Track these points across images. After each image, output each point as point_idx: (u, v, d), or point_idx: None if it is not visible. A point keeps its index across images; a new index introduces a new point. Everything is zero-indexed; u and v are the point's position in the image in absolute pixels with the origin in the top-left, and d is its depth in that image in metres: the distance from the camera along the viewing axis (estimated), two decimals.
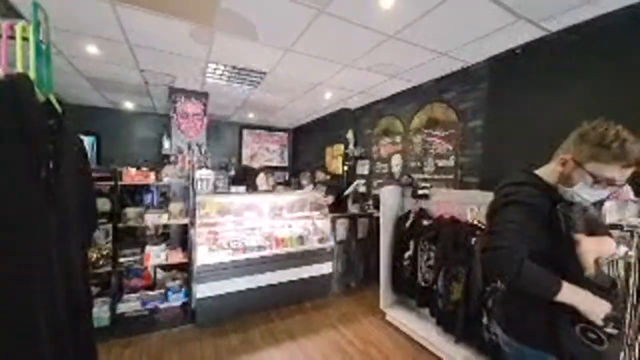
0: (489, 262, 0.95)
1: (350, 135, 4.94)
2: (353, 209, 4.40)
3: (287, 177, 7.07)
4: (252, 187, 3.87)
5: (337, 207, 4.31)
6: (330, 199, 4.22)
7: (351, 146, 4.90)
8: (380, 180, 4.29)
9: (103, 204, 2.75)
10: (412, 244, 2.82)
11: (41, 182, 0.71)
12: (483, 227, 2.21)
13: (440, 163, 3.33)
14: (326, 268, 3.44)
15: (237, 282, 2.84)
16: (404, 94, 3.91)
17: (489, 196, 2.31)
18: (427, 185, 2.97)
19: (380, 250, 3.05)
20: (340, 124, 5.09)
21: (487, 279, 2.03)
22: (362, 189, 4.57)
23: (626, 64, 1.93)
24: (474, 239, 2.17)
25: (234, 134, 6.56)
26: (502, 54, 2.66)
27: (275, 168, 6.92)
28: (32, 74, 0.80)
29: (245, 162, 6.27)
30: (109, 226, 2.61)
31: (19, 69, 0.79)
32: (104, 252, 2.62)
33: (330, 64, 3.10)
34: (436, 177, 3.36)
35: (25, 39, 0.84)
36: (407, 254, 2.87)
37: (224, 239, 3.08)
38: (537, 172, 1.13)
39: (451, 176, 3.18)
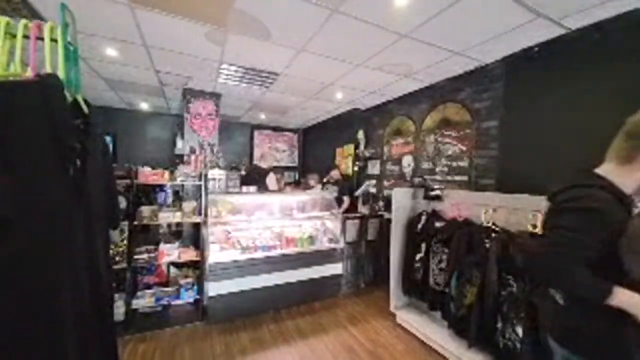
0: (539, 266, 0.97)
1: (360, 135, 4.92)
2: (363, 209, 4.38)
3: (296, 177, 7.10)
4: (263, 187, 3.90)
5: (351, 207, 4.30)
6: (346, 200, 4.21)
7: (362, 146, 4.88)
8: (391, 181, 4.25)
9: (120, 203, 2.82)
10: (423, 246, 2.78)
11: (69, 179, 0.73)
12: (498, 229, 2.17)
13: (454, 164, 3.28)
14: (336, 268, 3.44)
15: (248, 280, 2.87)
16: (417, 94, 3.87)
17: (505, 198, 2.28)
18: (441, 186, 2.93)
19: (391, 252, 3.03)
20: (350, 124, 5.08)
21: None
22: (373, 190, 4.54)
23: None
24: (488, 241, 2.13)
25: (245, 134, 6.63)
26: (518, 53, 2.60)
27: (285, 168, 6.95)
28: (60, 75, 0.82)
29: (256, 162, 6.33)
30: (125, 224, 2.67)
31: (48, 69, 0.82)
32: (120, 249, 2.69)
33: (342, 64, 3.10)
34: (449, 178, 3.31)
35: (53, 40, 0.87)
36: (419, 256, 2.83)
37: (235, 238, 3.11)
38: (602, 174, 1.05)
39: (465, 177, 3.13)
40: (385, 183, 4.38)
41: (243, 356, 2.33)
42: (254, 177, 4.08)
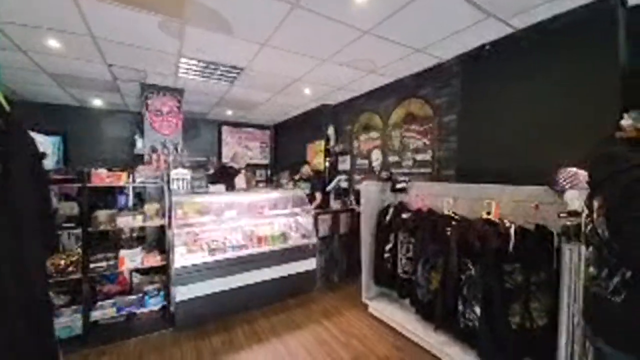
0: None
1: (331, 131, 4.95)
2: (335, 204, 4.43)
3: (268, 175, 7.00)
4: (232, 186, 3.80)
5: (323, 203, 4.33)
6: (318, 196, 4.23)
7: (332, 142, 4.91)
8: (361, 176, 4.34)
9: (71, 208, 2.60)
10: (392, 237, 2.88)
11: None
12: (457, 218, 2.30)
13: (418, 157, 3.41)
14: (310, 264, 3.46)
15: (219, 282, 2.79)
16: (383, 90, 3.96)
17: (463, 188, 2.42)
18: (406, 179, 3.04)
19: (362, 245, 3.10)
20: (321, 120, 5.09)
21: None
22: (344, 185, 4.61)
23: (582, 60, 2.04)
24: (449, 229, 2.25)
25: (213, 131, 6.39)
26: (473, 50, 2.75)
27: (257, 166, 6.82)
28: None
29: (225, 160, 6.13)
30: (79, 231, 2.47)
31: None
32: (73, 258, 2.49)
33: (307, 60, 3.08)
34: (415, 171, 3.44)
35: None
36: (388, 247, 2.93)
37: (204, 240, 3.01)
38: None
39: (429, 170, 3.27)
40: (356, 177, 4.46)
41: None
42: (223, 176, 3.96)
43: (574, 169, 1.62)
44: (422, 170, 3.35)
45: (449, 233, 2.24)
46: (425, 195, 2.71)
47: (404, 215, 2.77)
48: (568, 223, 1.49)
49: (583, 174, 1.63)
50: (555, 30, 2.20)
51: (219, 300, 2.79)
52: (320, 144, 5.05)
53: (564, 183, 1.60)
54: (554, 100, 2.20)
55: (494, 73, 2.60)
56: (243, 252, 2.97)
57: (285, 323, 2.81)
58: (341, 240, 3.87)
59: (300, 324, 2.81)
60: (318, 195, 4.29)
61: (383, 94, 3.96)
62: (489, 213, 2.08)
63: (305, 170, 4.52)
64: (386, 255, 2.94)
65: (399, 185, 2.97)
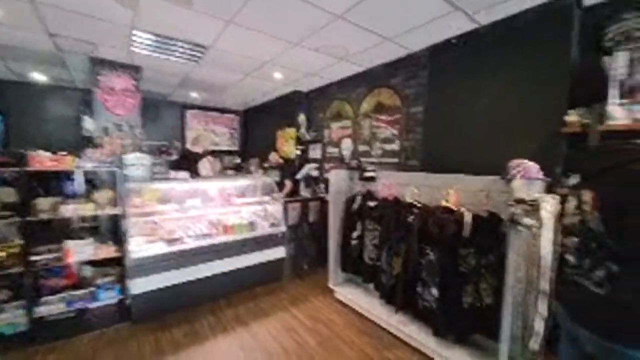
0: None
1: (302, 118, 4.87)
2: (306, 193, 4.42)
3: (238, 161, 6.78)
4: (196, 173, 3.62)
5: (293, 191, 4.29)
6: (288, 184, 4.17)
7: (303, 130, 4.84)
8: (332, 164, 4.34)
9: (8, 195, 2.32)
10: (359, 224, 2.94)
11: None
12: (419, 205, 2.39)
13: (387, 147, 3.47)
14: (278, 253, 3.44)
15: (181, 273, 2.69)
16: (355, 78, 3.94)
17: (427, 177, 2.51)
18: (374, 168, 3.09)
19: (329, 232, 3.13)
20: (292, 106, 4.97)
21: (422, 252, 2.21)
22: (315, 173, 4.59)
23: (539, 57, 2.16)
24: (411, 217, 2.33)
25: (176, 114, 5.99)
26: (441, 43, 2.80)
27: (225, 152, 6.56)
28: None
29: (189, 145, 5.81)
30: (18, 219, 2.22)
31: None
32: (13, 250, 2.24)
33: (277, 42, 2.95)
34: (383, 160, 3.51)
35: None
36: (355, 234, 2.99)
37: (165, 229, 2.85)
38: None
39: (396, 159, 3.35)
40: (327, 166, 4.46)
41: (176, 352, 2.20)
42: (187, 162, 3.75)
43: (524, 161, 1.73)
44: (390, 159, 3.42)
45: (411, 220, 2.33)
46: (392, 184, 2.77)
47: (371, 204, 2.83)
48: (514, 210, 1.61)
49: (533, 165, 1.75)
50: (516, 27, 2.30)
51: (182, 292, 2.69)
52: (292, 132, 4.96)
53: (514, 172, 1.71)
54: (512, 95, 2.32)
55: (459, 67, 2.68)
56: (208, 242, 2.87)
57: (253, 312, 2.80)
58: (311, 229, 3.89)
59: (268, 311, 2.81)
60: (288, 183, 4.24)
61: (355, 82, 3.95)
62: (447, 201, 2.18)
63: (274, 157, 4.43)
64: (353, 242, 3.00)
65: (367, 174, 3.01)
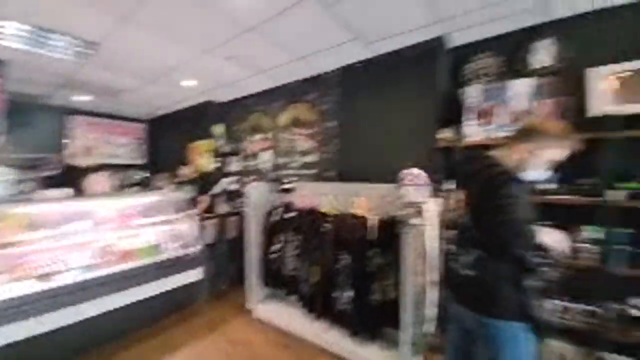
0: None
1: (219, 129, 4.64)
2: (224, 208, 4.17)
3: (145, 176, 5.95)
4: (81, 190, 3.02)
5: (209, 207, 3.98)
6: (204, 200, 3.84)
7: (221, 142, 4.62)
8: (253, 178, 4.24)
9: None
10: (279, 237, 2.92)
11: None
12: (334, 213, 2.54)
13: (306, 159, 3.60)
14: (193, 275, 3.12)
15: (57, 316, 2.16)
16: (272, 92, 3.99)
17: (341, 187, 2.69)
18: (293, 180, 3.15)
19: (247, 248, 3.02)
20: (207, 117, 4.70)
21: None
22: (234, 187, 4.39)
23: (418, 85, 2.61)
24: (327, 225, 2.46)
25: (56, 121, 4.92)
26: (348, 65, 3.11)
27: (127, 166, 5.70)
28: None
29: (74, 158, 4.81)
30: None
31: None
32: None
33: (185, 47, 2.78)
34: (303, 172, 3.61)
35: None
36: (276, 246, 2.96)
37: (36, 262, 2.27)
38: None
39: (315, 171, 3.49)
40: (248, 179, 4.33)
41: None
42: (70, 178, 3.11)
43: (413, 169, 2.04)
44: (310, 171, 3.55)
45: (326, 229, 2.45)
46: (310, 194, 2.87)
47: (290, 215, 2.86)
48: (405, 212, 1.87)
49: (420, 173, 2.07)
50: (403, 59, 2.73)
51: (59, 340, 2.15)
52: (207, 144, 4.67)
53: (405, 180, 1.99)
54: (404, 115, 2.72)
55: (364, 88, 3.02)
56: (97, 273, 2.40)
57: (159, 349, 2.43)
58: (230, 245, 3.67)
59: (179, 344, 2.49)
60: (204, 199, 3.93)
61: (273, 95, 4.00)
62: (357, 208, 2.38)
63: (187, 171, 4.07)
64: (274, 255, 2.96)
65: (285, 186, 3.05)
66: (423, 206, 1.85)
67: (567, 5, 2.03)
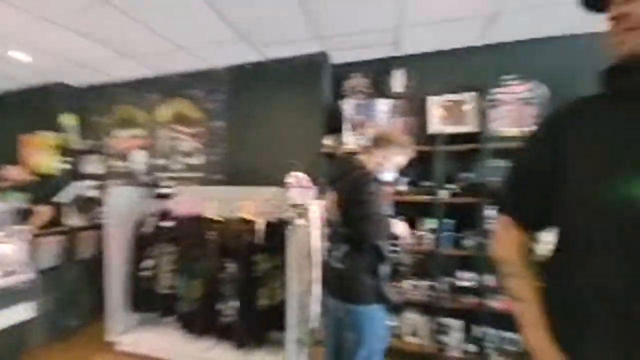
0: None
1: (70, 120, 3.65)
2: (76, 220, 3.29)
3: None
4: None
5: (53, 219, 3.03)
6: (41, 210, 2.88)
7: (72, 136, 3.64)
8: (120, 181, 3.52)
9: None
10: (152, 250, 2.52)
11: None
12: (220, 220, 2.38)
13: (190, 161, 3.25)
14: (19, 313, 2.29)
15: None
16: (148, 81, 3.44)
17: (229, 191, 2.55)
18: (172, 184, 2.79)
19: (108, 268, 2.48)
20: (51, 103, 3.62)
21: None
22: (91, 193, 3.54)
23: (307, 94, 2.78)
24: (211, 232, 2.28)
25: None
26: (239, 65, 3.00)
27: None
28: None
29: None
30: None
31: None
32: None
33: (17, 10, 2.07)
34: (186, 175, 3.24)
35: None
36: (148, 263, 2.53)
37: None
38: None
39: (201, 174, 3.19)
40: (113, 183, 3.56)
41: None
42: None
43: (298, 173, 2.14)
44: (194, 174, 3.22)
45: (210, 236, 2.27)
46: (193, 200, 2.60)
47: (167, 224, 2.51)
48: (289, 214, 1.94)
49: (304, 176, 2.18)
50: (293, 67, 2.84)
51: None
52: (51, 137, 3.60)
53: (290, 183, 2.07)
54: (293, 121, 2.82)
55: (254, 91, 2.98)
56: None
57: None
58: (84, 268, 2.92)
59: None
60: (43, 210, 2.99)
61: (149, 86, 3.45)
62: (245, 213, 2.31)
63: (14, 173, 3.03)
64: (145, 273, 2.53)
65: (162, 191, 2.67)
66: (308, 208, 1.95)
67: (414, 45, 2.57)
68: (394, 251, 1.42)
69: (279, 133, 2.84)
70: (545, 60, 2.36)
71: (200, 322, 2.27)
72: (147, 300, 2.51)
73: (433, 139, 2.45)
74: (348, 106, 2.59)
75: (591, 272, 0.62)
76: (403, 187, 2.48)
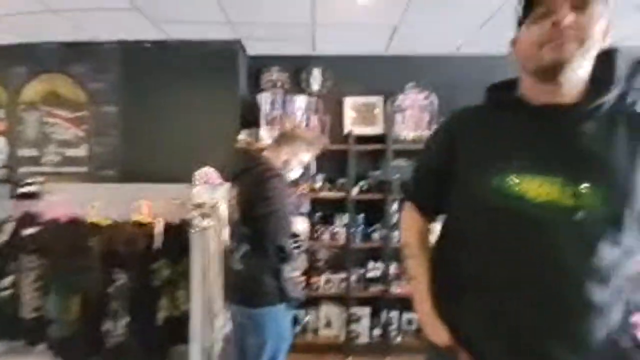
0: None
1: None
2: None
3: None
4: None
5: None
6: None
7: None
8: None
9: None
10: (9, 266, 1.96)
11: None
12: (107, 224, 2.00)
13: (70, 152, 2.65)
14: None
15: None
16: (10, 50, 2.67)
17: (121, 189, 2.16)
18: (40, 180, 2.22)
19: None
20: None
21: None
22: None
23: (221, 84, 2.56)
24: (94, 239, 1.89)
25: None
26: (135, 41, 2.57)
27: None
28: None
29: None
30: None
31: None
32: None
33: None
34: (64, 170, 2.64)
35: None
36: (4, 281, 1.97)
37: None
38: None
39: (84, 169, 2.64)
40: None
41: None
42: None
43: (206, 169, 1.95)
44: (76, 168, 2.64)
45: (93, 244, 1.88)
46: (70, 200, 2.12)
47: (31, 231, 1.99)
48: (196, 213, 1.75)
49: (213, 172, 2.00)
50: (203, 53, 2.57)
51: None
52: None
53: (198, 180, 1.87)
54: (205, 111, 2.57)
55: (157, 74, 2.60)
56: None
57: None
58: None
59: None
60: None
61: (10, 55, 2.68)
62: (141, 214, 1.99)
63: None
64: (1, 294, 1.96)
65: (25, 189, 2.10)
66: (216, 206, 1.79)
67: (330, 45, 2.63)
68: (297, 248, 1.41)
69: (187, 124, 2.55)
70: (439, 74, 2.72)
71: (82, 347, 1.87)
72: (7, 327, 1.96)
73: (347, 138, 2.56)
74: (265, 100, 2.49)
75: (469, 253, 0.72)
76: (319, 185, 2.53)
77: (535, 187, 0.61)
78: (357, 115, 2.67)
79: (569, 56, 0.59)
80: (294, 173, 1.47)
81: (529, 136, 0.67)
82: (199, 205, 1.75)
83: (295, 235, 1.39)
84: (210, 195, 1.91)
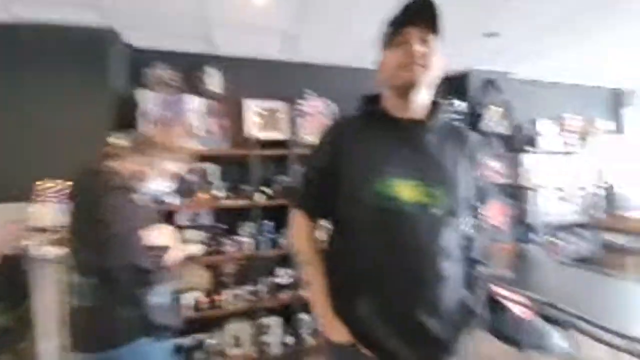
0: None
1: None
2: None
3: None
4: None
5: None
6: None
7: None
8: None
9: None
10: None
11: None
12: None
13: None
14: None
15: None
16: None
17: None
18: None
19: None
20: None
21: None
22: None
23: (88, 77, 2.11)
24: None
25: None
26: None
27: None
28: None
29: None
30: None
31: None
32: None
33: None
34: None
35: None
36: None
37: None
38: None
39: None
40: None
41: None
42: None
43: (54, 182, 1.54)
44: None
45: None
46: None
47: None
48: (37, 240, 1.35)
49: (66, 185, 1.60)
50: (67, 40, 2.07)
51: None
52: None
53: (42, 196, 1.46)
54: (62, 107, 2.06)
55: (9, 56, 1.98)
56: None
57: None
58: None
59: None
60: None
61: None
62: None
63: None
64: None
65: None
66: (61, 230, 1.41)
67: (227, 46, 2.49)
68: (157, 263, 1.16)
69: (37, 123, 2.00)
70: (336, 83, 2.89)
71: None
72: None
73: (249, 142, 2.45)
74: (149, 99, 2.17)
75: (358, 250, 0.81)
76: (221, 194, 2.35)
77: (407, 190, 0.76)
78: (259, 120, 2.59)
79: (416, 78, 0.76)
80: (156, 185, 1.25)
81: (395, 145, 0.82)
82: (44, 230, 1.35)
83: (159, 250, 1.15)
84: (60, 216, 1.51)
